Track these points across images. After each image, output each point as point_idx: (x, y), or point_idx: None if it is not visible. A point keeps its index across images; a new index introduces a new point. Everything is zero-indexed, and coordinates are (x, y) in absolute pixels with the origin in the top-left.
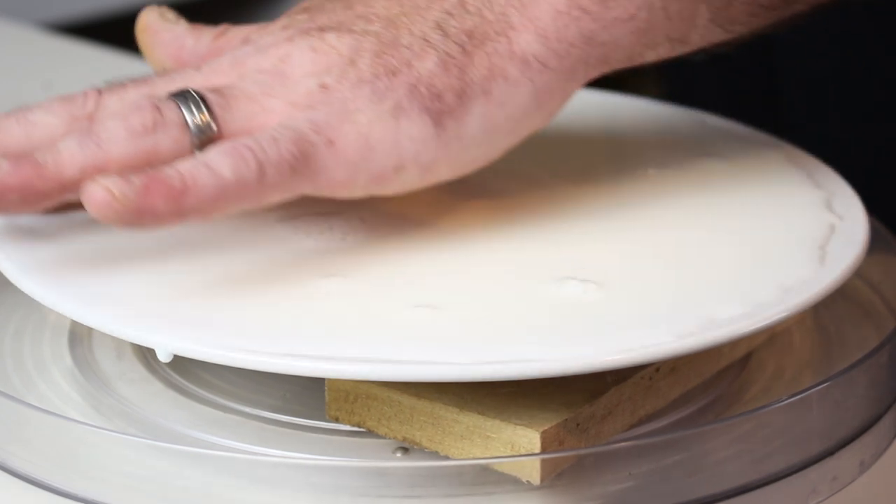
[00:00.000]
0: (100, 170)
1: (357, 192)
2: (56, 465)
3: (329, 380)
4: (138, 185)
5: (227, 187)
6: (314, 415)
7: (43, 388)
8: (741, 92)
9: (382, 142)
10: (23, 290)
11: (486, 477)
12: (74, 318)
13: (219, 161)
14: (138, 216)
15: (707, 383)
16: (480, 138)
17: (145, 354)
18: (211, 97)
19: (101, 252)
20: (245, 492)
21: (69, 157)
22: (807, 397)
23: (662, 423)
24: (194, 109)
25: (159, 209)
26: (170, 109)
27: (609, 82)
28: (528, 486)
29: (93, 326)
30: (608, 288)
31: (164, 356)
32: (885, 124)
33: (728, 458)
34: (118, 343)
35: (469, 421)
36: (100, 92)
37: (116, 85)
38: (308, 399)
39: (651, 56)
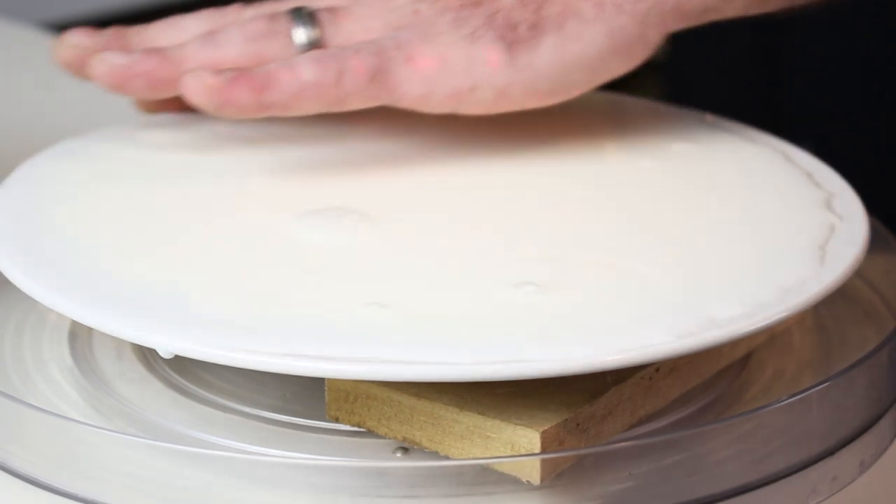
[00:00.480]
0: (213, 67)
1: (435, 107)
2: (56, 465)
3: (329, 380)
4: (227, 78)
5: (306, 88)
6: (314, 415)
7: (42, 388)
8: (741, 91)
9: (457, 63)
10: (22, 289)
11: (486, 477)
12: (74, 318)
13: (303, 64)
14: (223, 103)
15: (707, 383)
16: (553, 69)
17: (145, 354)
18: (322, 14)
19: (102, 252)
20: (245, 492)
21: (191, 53)
22: (807, 397)
23: (662, 423)
24: (305, 23)
25: (242, 100)
26: (282, 22)
27: (609, 82)
28: (528, 486)
29: (93, 326)
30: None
31: (165, 353)
32: (885, 124)
33: (728, 458)
34: (118, 343)
35: (469, 421)
36: (244, 5)
37: (261, 1)
38: (308, 399)
39: (730, 11)
